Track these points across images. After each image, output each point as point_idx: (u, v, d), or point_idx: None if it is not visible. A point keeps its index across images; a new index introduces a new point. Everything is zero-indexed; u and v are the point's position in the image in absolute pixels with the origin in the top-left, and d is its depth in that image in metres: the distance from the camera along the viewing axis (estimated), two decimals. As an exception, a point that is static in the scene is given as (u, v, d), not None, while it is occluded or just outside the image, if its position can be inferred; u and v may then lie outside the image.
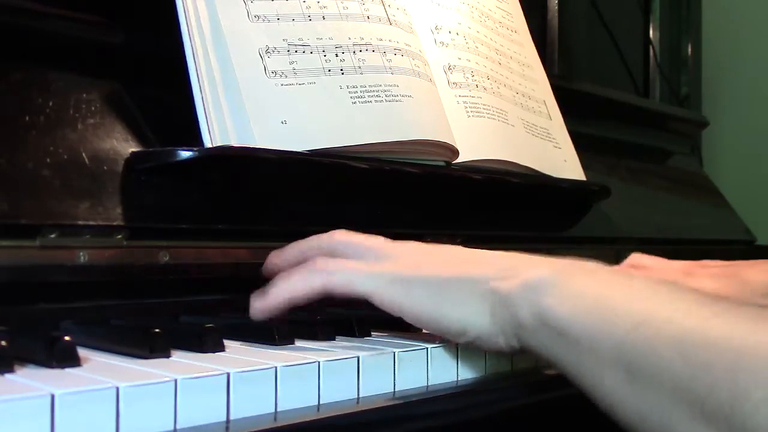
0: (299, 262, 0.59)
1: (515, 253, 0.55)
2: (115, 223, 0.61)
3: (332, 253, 0.58)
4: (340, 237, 0.60)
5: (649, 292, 0.45)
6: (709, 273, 0.82)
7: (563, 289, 0.47)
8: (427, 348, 0.54)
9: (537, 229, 0.96)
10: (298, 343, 0.55)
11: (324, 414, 0.45)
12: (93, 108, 0.66)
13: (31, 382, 0.39)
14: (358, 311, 0.68)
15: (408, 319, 0.54)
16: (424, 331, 0.63)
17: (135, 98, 0.69)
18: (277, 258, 0.62)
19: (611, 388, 0.44)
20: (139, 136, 0.67)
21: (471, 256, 0.56)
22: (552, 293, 0.47)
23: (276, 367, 0.45)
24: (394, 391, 0.51)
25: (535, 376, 0.59)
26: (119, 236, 0.62)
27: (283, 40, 0.72)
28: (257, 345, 0.54)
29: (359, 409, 0.47)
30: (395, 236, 0.79)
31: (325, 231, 0.75)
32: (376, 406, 0.48)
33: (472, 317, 0.51)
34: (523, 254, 0.54)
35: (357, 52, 0.75)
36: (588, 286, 0.47)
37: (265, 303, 0.58)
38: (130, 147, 0.66)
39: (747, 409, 0.37)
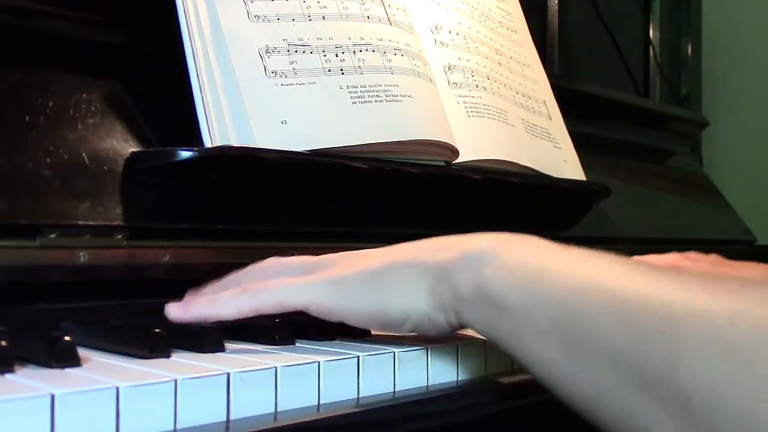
0: None
1: (445, 236, 0.52)
2: (115, 223, 0.61)
3: (265, 277, 0.55)
4: (272, 260, 0.58)
5: (588, 261, 0.43)
6: (698, 267, 0.82)
7: (502, 260, 0.45)
8: (427, 348, 0.54)
9: (537, 229, 0.95)
10: (298, 343, 0.55)
11: (324, 414, 0.45)
12: (93, 108, 0.66)
13: (31, 382, 0.39)
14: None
15: (349, 322, 0.52)
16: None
17: (135, 98, 0.69)
18: (212, 289, 0.57)
19: (548, 359, 0.43)
20: (139, 136, 0.67)
21: (409, 244, 0.54)
22: (490, 264, 0.46)
23: (276, 367, 0.45)
24: (394, 391, 0.51)
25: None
26: (119, 236, 0.62)
27: (283, 40, 0.72)
28: (257, 345, 0.54)
29: (359, 409, 0.47)
30: (395, 236, 0.79)
31: (325, 231, 0.75)
32: (376, 407, 0.48)
33: (411, 302, 0.50)
34: (455, 236, 0.52)
35: (357, 52, 0.75)
36: (527, 256, 0.45)
37: (184, 315, 0.54)
38: (130, 147, 0.66)
39: (682, 374, 0.36)
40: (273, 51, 0.71)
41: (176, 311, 0.55)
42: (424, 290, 0.49)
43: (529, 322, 0.43)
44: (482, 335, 0.49)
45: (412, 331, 0.52)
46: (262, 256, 0.68)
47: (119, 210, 0.62)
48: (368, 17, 0.78)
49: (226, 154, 0.65)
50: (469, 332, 0.59)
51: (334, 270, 0.53)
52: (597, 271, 0.42)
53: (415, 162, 0.78)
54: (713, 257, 0.86)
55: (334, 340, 0.57)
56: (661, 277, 0.40)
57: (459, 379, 0.55)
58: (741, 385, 0.35)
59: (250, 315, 0.53)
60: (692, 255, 0.86)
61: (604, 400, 0.40)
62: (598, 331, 0.40)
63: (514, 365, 0.59)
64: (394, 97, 0.75)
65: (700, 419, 0.36)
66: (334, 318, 0.52)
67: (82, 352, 0.46)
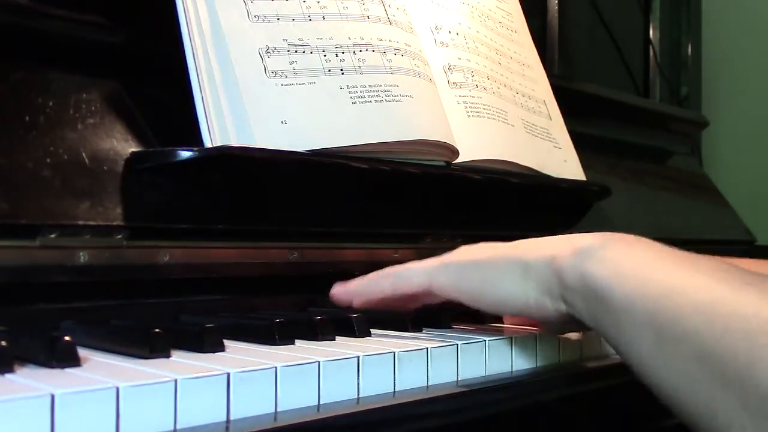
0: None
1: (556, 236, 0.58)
2: (115, 223, 0.61)
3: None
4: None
5: (685, 262, 0.48)
6: None
7: (605, 255, 0.50)
8: (427, 348, 0.54)
9: (537, 229, 0.95)
10: (298, 343, 0.55)
11: (324, 414, 0.45)
12: (93, 108, 0.66)
13: (31, 382, 0.39)
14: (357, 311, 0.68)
15: (464, 301, 0.58)
16: (424, 330, 0.63)
17: (135, 98, 0.69)
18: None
19: (643, 351, 0.47)
20: (139, 136, 0.67)
21: (518, 242, 0.59)
22: (595, 258, 0.50)
23: (276, 367, 0.45)
24: (394, 391, 0.51)
25: (536, 377, 0.59)
26: (119, 236, 0.62)
27: (283, 40, 0.72)
28: (257, 345, 0.54)
29: (359, 409, 0.47)
30: (396, 236, 0.79)
31: (325, 231, 0.75)
32: (376, 406, 0.47)
33: (518, 286, 0.55)
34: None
35: (357, 52, 0.75)
36: (628, 253, 0.50)
37: (343, 296, 0.64)
38: (130, 147, 0.66)
39: (761, 374, 0.40)
40: (273, 51, 0.71)
41: (338, 291, 0.65)
42: (532, 278, 0.54)
43: (628, 313, 0.47)
44: (588, 325, 0.52)
45: (519, 313, 0.58)
46: (262, 256, 0.68)
47: (119, 210, 0.62)
48: (368, 17, 0.78)
49: (226, 154, 0.65)
50: (466, 338, 0.59)
51: (449, 257, 0.60)
52: (692, 272, 0.47)
53: (415, 162, 0.78)
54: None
55: (334, 340, 0.57)
56: (753, 280, 0.45)
57: (459, 379, 0.55)
58: None
59: (391, 295, 0.62)
60: None
61: (690, 393, 0.44)
62: (687, 327, 0.44)
63: (514, 366, 0.59)
64: (394, 97, 0.75)
65: None
66: (452, 297, 0.59)
67: (82, 352, 0.46)
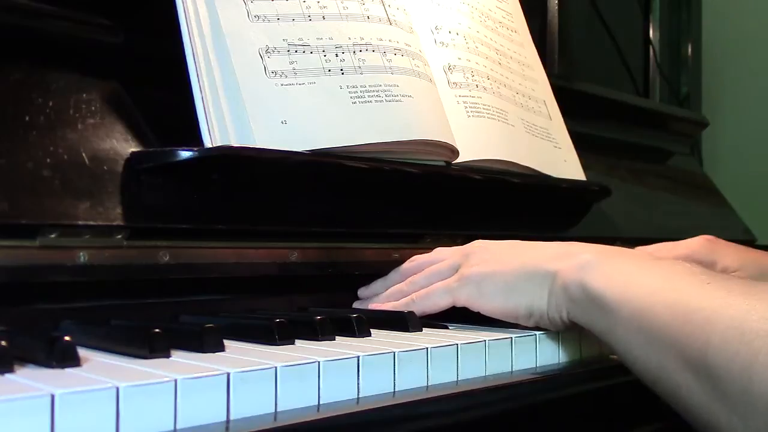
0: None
1: (564, 242, 0.67)
2: (115, 223, 0.61)
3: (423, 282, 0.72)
4: (423, 261, 0.75)
5: (661, 269, 0.57)
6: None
7: (601, 267, 0.59)
8: (427, 348, 0.54)
9: (537, 229, 0.96)
10: (298, 343, 0.55)
11: (324, 414, 0.45)
12: (93, 108, 0.66)
13: (31, 382, 0.39)
14: (358, 309, 0.68)
15: (485, 313, 0.66)
16: (424, 330, 0.63)
17: (135, 98, 0.69)
18: (370, 289, 0.77)
19: (630, 346, 0.55)
20: (139, 136, 0.67)
21: (532, 250, 0.67)
22: (593, 270, 0.59)
23: (276, 367, 0.45)
24: (394, 391, 0.51)
25: (536, 377, 0.59)
26: (119, 236, 0.62)
27: (283, 40, 0.72)
28: (257, 345, 0.54)
29: (359, 409, 0.47)
30: (396, 236, 0.79)
31: (325, 231, 0.75)
32: (376, 406, 0.47)
33: (535, 301, 0.63)
34: (571, 242, 0.67)
35: (357, 52, 0.75)
36: (620, 265, 0.59)
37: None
38: (130, 147, 0.66)
39: (712, 356, 0.48)
40: (273, 51, 0.71)
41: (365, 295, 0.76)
42: (545, 293, 0.63)
43: (618, 313, 0.56)
44: (587, 328, 0.60)
45: (535, 326, 0.64)
46: (262, 257, 0.68)
47: (119, 210, 0.62)
48: (368, 17, 0.78)
49: (226, 154, 0.65)
50: (466, 338, 0.59)
51: (470, 270, 0.68)
52: (668, 277, 0.56)
53: (415, 162, 0.78)
54: (727, 242, 0.96)
55: (334, 340, 0.57)
56: (714, 280, 0.53)
57: (459, 379, 0.55)
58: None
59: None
60: (711, 238, 0.95)
61: (664, 378, 0.52)
62: (660, 322, 0.53)
63: (514, 366, 0.59)
64: (394, 97, 0.75)
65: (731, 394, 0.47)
66: (474, 309, 0.67)
67: (82, 352, 0.46)
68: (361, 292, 0.77)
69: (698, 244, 0.94)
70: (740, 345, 0.47)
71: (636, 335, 0.54)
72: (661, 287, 0.55)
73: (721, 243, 0.95)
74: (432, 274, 0.72)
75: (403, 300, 0.71)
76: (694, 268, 0.57)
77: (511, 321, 0.66)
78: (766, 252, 0.97)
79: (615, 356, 0.59)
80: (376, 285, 0.76)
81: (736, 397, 0.47)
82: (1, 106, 0.61)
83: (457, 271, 0.69)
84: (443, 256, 0.73)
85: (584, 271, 0.60)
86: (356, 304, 0.76)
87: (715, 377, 0.48)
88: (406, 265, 0.76)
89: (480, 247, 0.71)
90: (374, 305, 0.73)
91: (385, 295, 0.74)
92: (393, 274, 0.76)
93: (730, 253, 0.93)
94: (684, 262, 0.59)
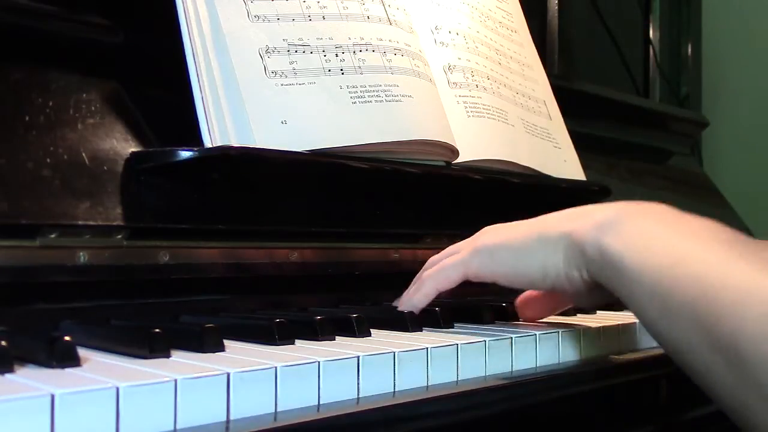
0: None
1: (577, 207, 0.62)
2: (115, 223, 0.61)
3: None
4: (433, 257, 0.71)
5: (689, 232, 0.53)
6: None
7: (621, 228, 0.55)
8: (427, 348, 0.54)
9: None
10: (298, 343, 0.55)
11: (324, 414, 0.45)
12: (93, 108, 0.66)
13: (31, 382, 0.39)
14: (359, 309, 0.68)
15: (499, 282, 0.64)
16: (424, 330, 0.63)
17: (135, 98, 0.69)
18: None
19: (650, 316, 0.52)
20: (139, 136, 0.67)
21: (545, 216, 0.63)
22: (612, 231, 0.55)
23: (276, 367, 0.45)
24: (394, 391, 0.51)
25: (536, 377, 0.59)
26: (119, 236, 0.62)
27: (283, 40, 0.72)
28: (257, 345, 0.54)
29: (359, 409, 0.47)
30: (396, 236, 0.79)
31: (325, 231, 0.75)
32: (376, 406, 0.47)
33: (548, 261, 0.60)
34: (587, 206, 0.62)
35: (357, 52, 0.75)
36: (642, 226, 0.55)
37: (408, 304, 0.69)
38: (130, 147, 0.66)
39: (744, 342, 0.45)
40: (273, 51, 0.71)
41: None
42: (559, 252, 0.59)
43: (638, 283, 0.53)
44: (609, 290, 0.57)
45: (553, 287, 0.61)
46: (262, 257, 0.68)
47: (119, 210, 0.62)
48: (368, 17, 0.78)
49: (226, 154, 0.65)
50: (466, 338, 0.59)
51: (480, 241, 0.65)
52: (693, 244, 0.52)
53: (415, 162, 0.78)
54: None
55: (334, 340, 0.57)
56: (748, 251, 0.49)
57: (459, 378, 0.55)
58: None
59: (434, 295, 0.66)
60: None
61: (687, 354, 0.50)
62: (685, 297, 0.49)
63: (514, 366, 0.59)
64: (394, 97, 0.75)
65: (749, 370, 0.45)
66: (487, 278, 0.64)
67: (82, 352, 0.46)
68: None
69: None
70: None
71: (659, 308, 0.51)
72: (687, 256, 0.51)
73: None
74: (445, 254, 0.70)
75: (416, 283, 0.69)
76: (726, 233, 0.53)
77: (526, 286, 0.64)
78: None
79: (616, 357, 0.58)
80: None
81: None
82: (1, 106, 0.61)
83: (462, 250, 0.67)
84: (459, 247, 0.70)
85: (601, 230, 0.56)
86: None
87: (748, 366, 0.45)
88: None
89: (492, 227, 0.68)
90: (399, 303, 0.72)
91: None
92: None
93: None
94: (713, 223, 0.55)
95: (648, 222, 0.56)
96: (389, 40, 0.78)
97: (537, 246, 0.61)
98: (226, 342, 0.52)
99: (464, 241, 0.70)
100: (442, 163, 0.82)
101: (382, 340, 0.58)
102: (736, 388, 0.47)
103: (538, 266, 0.61)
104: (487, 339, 0.58)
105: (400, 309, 0.68)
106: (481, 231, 0.68)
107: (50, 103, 0.63)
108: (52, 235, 0.58)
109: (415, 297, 0.67)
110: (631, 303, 0.54)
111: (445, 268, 0.66)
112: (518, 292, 0.70)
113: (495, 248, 0.64)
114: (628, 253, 0.53)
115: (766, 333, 0.45)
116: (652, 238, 0.54)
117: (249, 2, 0.72)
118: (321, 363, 0.47)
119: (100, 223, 0.60)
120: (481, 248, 0.64)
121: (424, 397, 0.51)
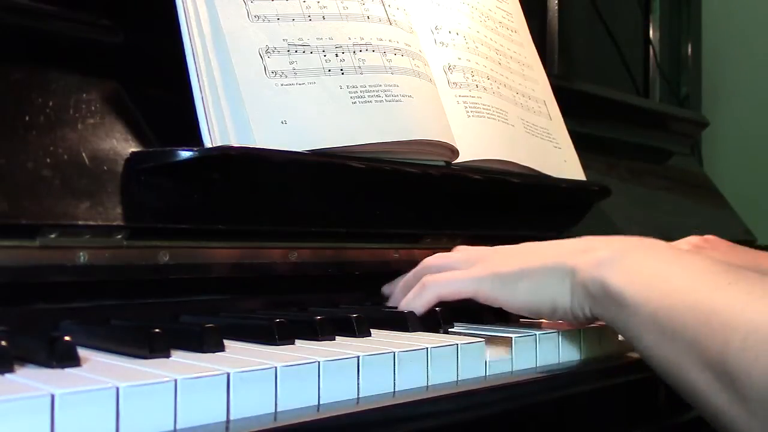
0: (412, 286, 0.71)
1: (583, 237, 0.66)
2: (115, 223, 0.61)
3: (438, 271, 0.71)
4: (439, 257, 0.73)
5: (687, 268, 0.57)
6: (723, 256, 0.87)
7: (620, 265, 0.59)
8: (427, 348, 0.54)
9: (537, 228, 0.96)
10: (298, 343, 0.55)
11: (324, 414, 0.45)
12: (93, 108, 0.66)
13: (31, 382, 0.39)
14: (359, 309, 0.68)
15: (507, 309, 0.66)
16: (424, 330, 0.63)
17: (135, 98, 0.69)
18: (392, 286, 0.76)
19: (648, 343, 0.56)
20: (139, 136, 0.67)
21: (553, 246, 0.67)
22: (612, 267, 0.59)
23: (276, 367, 0.45)
24: (394, 391, 0.51)
25: (536, 377, 0.59)
26: (119, 236, 0.62)
27: (283, 40, 0.72)
28: (257, 345, 0.54)
29: (359, 409, 0.47)
30: (395, 236, 0.79)
31: (325, 231, 0.75)
32: (376, 406, 0.47)
33: (558, 297, 0.63)
34: (592, 237, 0.66)
35: (357, 52, 0.75)
36: (640, 261, 0.59)
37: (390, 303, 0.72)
38: (130, 147, 0.66)
39: (732, 360, 0.49)
40: (273, 51, 0.71)
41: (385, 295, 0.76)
42: (566, 289, 0.63)
43: (636, 314, 0.56)
44: (606, 323, 0.61)
45: (560, 320, 0.65)
46: (262, 257, 0.68)
47: (119, 210, 0.62)
48: (368, 17, 0.78)
49: (226, 154, 0.65)
50: (466, 338, 0.59)
51: (488, 266, 0.67)
52: (686, 275, 0.56)
53: (415, 162, 0.78)
54: (726, 243, 0.96)
55: (334, 340, 0.57)
56: (736, 278, 0.53)
57: (459, 379, 0.55)
58: None
59: (435, 303, 0.67)
60: (710, 238, 0.95)
61: (681, 378, 0.53)
62: (679, 323, 0.53)
63: (515, 366, 0.59)
64: (394, 97, 0.75)
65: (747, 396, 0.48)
66: (497, 305, 0.67)
67: (82, 352, 0.46)
68: (385, 288, 0.77)
69: (696, 244, 0.93)
70: (760, 350, 0.47)
71: (656, 335, 0.55)
72: (682, 286, 0.55)
73: (720, 243, 0.95)
74: (442, 256, 0.72)
75: (419, 287, 0.69)
76: (717, 265, 0.56)
77: (534, 317, 0.67)
78: (765, 252, 0.97)
79: (616, 357, 0.60)
80: (396, 281, 0.76)
81: (756, 402, 0.47)
82: (1, 106, 0.61)
83: (470, 264, 0.69)
84: (468, 258, 0.72)
85: (603, 267, 0.60)
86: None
87: (735, 381, 0.49)
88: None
89: (506, 249, 0.70)
90: (385, 289, 0.74)
91: (399, 287, 0.74)
92: (409, 273, 0.75)
93: (728, 253, 0.92)
94: (707, 256, 0.59)
95: (646, 256, 0.60)
96: (389, 40, 0.78)
97: (550, 281, 0.64)
98: (226, 342, 0.52)
99: (474, 252, 0.72)
100: (442, 163, 0.82)
101: (382, 340, 0.58)
102: (727, 405, 0.50)
103: (549, 302, 0.64)
104: (487, 339, 0.58)
105: (398, 309, 0.69)
106: (493, 250, 0.70)
107: (50, 103, 0.63)
108: (52, 235, 0.58)
109: (416, 303, 0.68)
110: (627, 331, 0.58)
111: (455, 281, 0.68)
112: None
113: (511, 277, 0.66)
114: (629, 286, 0.57)
115: (749, 351, 0.48)
116: (651, 271, 0.58)
117: (249, 2, 0.72)
118: (321, 363, 0.47)
119: (100, 223, 0.60)
120: (499, 274, 0.66)
121: (424, 397, 0.51)
